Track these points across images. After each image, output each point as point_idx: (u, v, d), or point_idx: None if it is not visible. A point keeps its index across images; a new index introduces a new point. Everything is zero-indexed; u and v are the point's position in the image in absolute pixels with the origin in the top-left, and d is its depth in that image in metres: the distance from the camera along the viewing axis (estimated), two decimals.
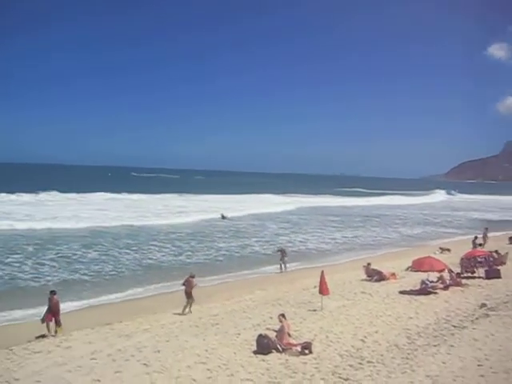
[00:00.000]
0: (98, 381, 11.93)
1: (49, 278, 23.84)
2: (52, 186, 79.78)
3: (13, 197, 65.84)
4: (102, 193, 78.19)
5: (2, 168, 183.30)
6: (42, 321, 16.25)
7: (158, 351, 14.04)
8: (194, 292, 19.63)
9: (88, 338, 15.61)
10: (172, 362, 13.06)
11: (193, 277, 20.04)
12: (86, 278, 24.63)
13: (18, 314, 18.55)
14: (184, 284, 19.80)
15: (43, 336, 15.84)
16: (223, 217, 53.45)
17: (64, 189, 78.17)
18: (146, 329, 16.64)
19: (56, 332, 16.16)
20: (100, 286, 23.10)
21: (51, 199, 68.37)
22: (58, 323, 16.35)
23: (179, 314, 18.77)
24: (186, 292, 19.51)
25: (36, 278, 23.92)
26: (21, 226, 38.76)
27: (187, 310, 19.25)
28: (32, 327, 16.55)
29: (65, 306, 19.20)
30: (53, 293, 16.76)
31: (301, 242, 40.15)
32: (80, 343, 15.09)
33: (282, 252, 29.13)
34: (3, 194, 65.61)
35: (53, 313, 16.35)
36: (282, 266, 28.40)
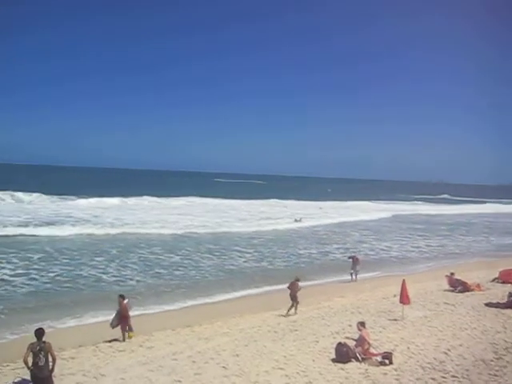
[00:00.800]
0: (179, 381, 12.18)
1: (132, 283, 24.67)
2: (142, 191, 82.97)
3: (110, 200, 69.14)
4: (190, 197, 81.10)
5: (96, 173, 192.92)
6: (111, 325, 16.17)
7: (237, 355, 14.16)
8: (291, 295, 19.99)
9: (169, 339, 16.05)
10: (250, 367, 13.11)
11: (298, 280, 20.57)
12: (168, 281, 25.27)
13: (103, 313, 19.27)
14: (289, 287, 20.25)
15: (115, 340, 15.98)
16: (296, 220, 55.60)
17: (152, 193, 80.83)
18: (225, 332, 16.86)
19: (129, 337, 16.13)
20: (181, 290, 23.63)
21: (140, 203, 71.25)
22: (129, 328, 16.20)
23: (281, 316, 19.35)
24: (291, 295, 19.96)
25: (120, 281, 24.84)
26: (112, 231, 40.12)
27: (292, 311, 19.72)
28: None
29: (147, 308, 20.00)
30: (122, 297, 16.58)
31: (383, 249, 39.31)
32: (161, 344, 15.54)
33: (354, 260, 27.73)
34: (95, 199, 68.51)
35: (122, 317, 16.17)
36: (353, 275, 27.02)
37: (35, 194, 71.34)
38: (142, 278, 25.49)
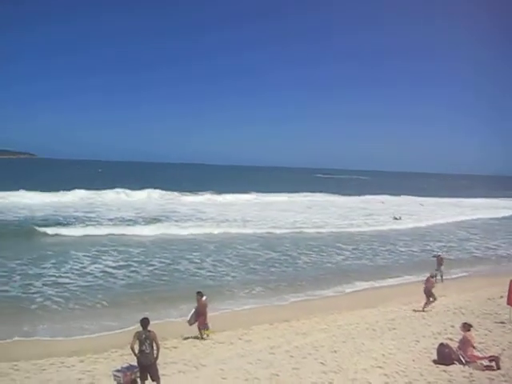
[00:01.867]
0: (277, 375, 12.32)
1: (227, 278, 25.06)
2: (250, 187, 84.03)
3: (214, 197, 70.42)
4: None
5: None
6: (189, 322, 16.01)
7: (335, 351, 14.09)
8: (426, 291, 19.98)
9: (267, 334, 16.27)
10: (348, 364, 12.99)
11: (432, 276, 20.88)
12: (264, 277, 25.50)
13: None
14: (425, 283, 20.31)
15: (195, 338, 15.93)
16: (395, 218, 53.27)
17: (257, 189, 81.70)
18: (322, 328, 16.82)
19: (206, 335, 15.97)
20: (274, 284, 23.82)
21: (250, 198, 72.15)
22: (205, 326, 15.97)
23: (414, 311, 19.32)
24: (426, 291, 19.93)
25: (214, 276, 25.26)
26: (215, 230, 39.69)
27: (428, 307, 19.64)
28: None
29: (243, 303, 20.43)
30: (199, 294, 16.24)
31: (490, 248, 37.38)
32: (259, 337, 15.79)
33: (439, 259, 26.01)
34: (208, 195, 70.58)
35: (200, 315, 15.94)
36: (438, 275, 24.48)
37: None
38: (238, 274, 25.85)
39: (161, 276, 24.44)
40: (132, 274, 24.47)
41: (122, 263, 26.66)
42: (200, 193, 73.52)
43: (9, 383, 12.15)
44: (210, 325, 16.03)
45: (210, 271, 26.02)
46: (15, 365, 13.35)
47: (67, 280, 22.76)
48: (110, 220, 43.25)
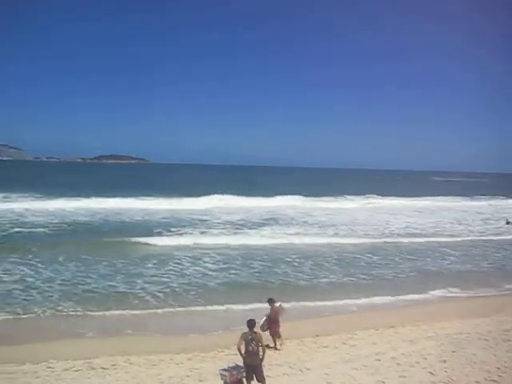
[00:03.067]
0: (383, 382, 12.08)
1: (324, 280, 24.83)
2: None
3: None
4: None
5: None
6: (262, 328, 15.14)
7: (444, 361, 13.52)
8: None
9: (372, 339, 15.93)
10: (459, 375, 12.41)
11: None
12: (360, 280, 25.03)
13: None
14: None
15: (267, 346, 14.88)
16: (508, 222, 49.41)
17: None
18: (430, 336, 16.17)
19: (279, 344, 15.35)
20: (374, 288, 23.24)
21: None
22: (276, 334, 15.38)
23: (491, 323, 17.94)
24: None
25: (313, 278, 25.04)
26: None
27: None
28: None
29: (345, 305, 20.21)
30: (272, 300, 15.65)
31: None
32: (364, 343, 15.51)
33: None
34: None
35: (272, 322, 15.36)
36: None
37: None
38: (337, 277, 25.45)
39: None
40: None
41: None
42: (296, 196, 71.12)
43: (124, 375, 12.91)
44: (281, 333, 15.40)
45: (328, 278, 25.87)
46: (128, 359, 14.18)
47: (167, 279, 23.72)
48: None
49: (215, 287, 22.69)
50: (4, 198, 57.70)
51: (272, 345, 15.17)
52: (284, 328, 15.53)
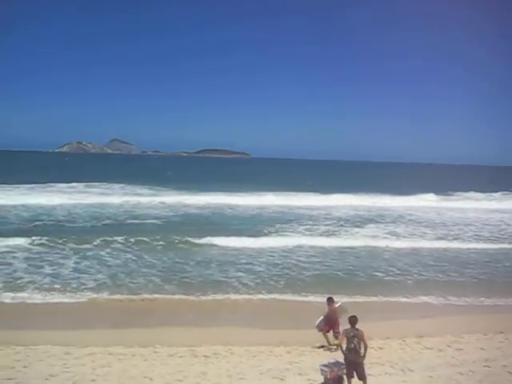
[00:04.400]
0: None
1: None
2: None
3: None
4: None
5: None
6: (318, 328, 14.94)
7: None
8: None
9: (480, 344, 15.05)
10: None
11: None
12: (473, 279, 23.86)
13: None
14: None
15: (322, 347, 14.91)
16: None
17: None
18: None
19: (335, 345, 14.24)
20: (482, 290, 21.85)
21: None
22: (335, 335, 14.57)
23: None
24: None
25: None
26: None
27: None
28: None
29: (450, 306, 19.43)
30: (331, 300, 15.00)
31: None
32: (471, 347, 14.71)
33: None
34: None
35: (330, 322, 14.79)
36: None
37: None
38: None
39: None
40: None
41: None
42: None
43: (225, 365, 13.21)
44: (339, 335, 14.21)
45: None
46: (230, 349, 14.46)
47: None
48: None
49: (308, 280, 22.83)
50: (121, 188, 62.58)
51: (327, 345, 14.76)
52: (385, 326, 15.18)
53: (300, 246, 29.87)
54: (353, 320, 11.16)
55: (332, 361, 11.58)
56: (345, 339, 11.07)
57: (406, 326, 16.83)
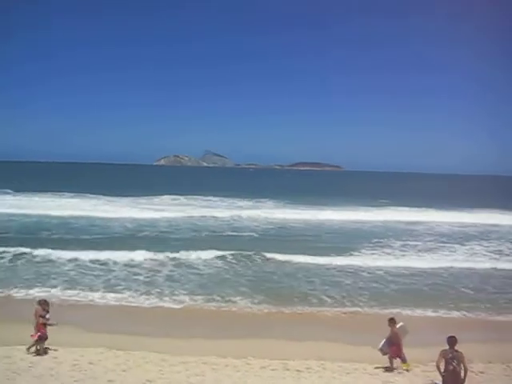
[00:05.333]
0: None
1: None
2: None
3: None
4: None
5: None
6: (381, 351, 14.10)
7: None
8: None
9: None
10: None
11: None
12: None
13: None
14: None
15: (387, 368, 13.94)
16: None
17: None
18: None
19: (405, 369, 13.74)
20: None
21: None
22: (402, 358, 13.81)
23: None
24: None
25: None
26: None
27: None
28: None
29: None
30: (392, 321, 14.11)
31: None
32: None
33: None
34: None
35: (392, 345, 13.87)
36: None
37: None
38: None
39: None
40: None
41: None
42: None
43: (317, 380, 13.04)
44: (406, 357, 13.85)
45: None
46: (322, 364, 14.21)
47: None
48: None
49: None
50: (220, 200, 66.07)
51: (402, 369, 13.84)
52: (488, 348, 14.25)
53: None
54: (452, 341, 10.64)
55: (429, 382, 11.15)
56: (442, 360, 10.58)
57: (511, 350, 15.70)
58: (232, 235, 39.16)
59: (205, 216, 49.26)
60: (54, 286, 21.94)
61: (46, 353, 14.09)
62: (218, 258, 28.77)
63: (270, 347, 15.63)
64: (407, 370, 13.73)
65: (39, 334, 13.94)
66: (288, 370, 13.66)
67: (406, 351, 13.92)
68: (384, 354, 14.08)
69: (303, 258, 29.23)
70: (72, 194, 66.75)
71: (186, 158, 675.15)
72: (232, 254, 29.44)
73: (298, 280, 24.63)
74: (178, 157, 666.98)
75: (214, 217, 48.98)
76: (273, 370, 13.66)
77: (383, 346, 14.09)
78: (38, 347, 14.05)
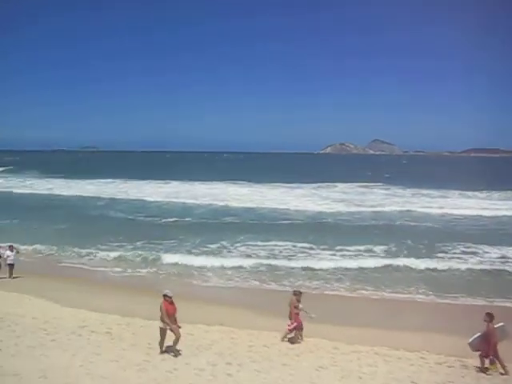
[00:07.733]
0: None
1: None
2: None
3: None
4: None
5: None
6: (470, 346, 12.74)
7: None
8: None
9: None
10: None
11: None
12: None
13: None
14: None
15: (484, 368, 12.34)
16: None
17: None
18: None
19: (491, 369, 12.30)
20: None
21: None
22: (491, 359, 12.33)
23: None
24: None
25: None
26: None
27: None
28: None
29: None
30: (489, 316, 12.42)
31: None
32: None
33: None
34: None
35: (486, 342, 12.25)
36: None
37: None
38: None
39: None
40: None
41: None
42: None
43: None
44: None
45: None
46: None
47: None
48: None
49: None
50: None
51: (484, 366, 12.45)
52: None
53: None
54: None
55: None
56: None
57: None
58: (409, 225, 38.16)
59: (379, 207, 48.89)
60: None
61: (302, 340, 14.66)
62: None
63: (444, 343, 14.57)
64: (492, 370, 12.35)
65: (295, 323, 14.65)
66: (466, 368, 12.75)
67: None
68: (473, 349, 12.86)
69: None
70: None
71: (352, 146, 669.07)
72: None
73: None
74: (343, 145, 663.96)
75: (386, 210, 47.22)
76: (449, 367, 12.91)
77: (474, 340, 12.79)
78: (294, 335, 14.67)
